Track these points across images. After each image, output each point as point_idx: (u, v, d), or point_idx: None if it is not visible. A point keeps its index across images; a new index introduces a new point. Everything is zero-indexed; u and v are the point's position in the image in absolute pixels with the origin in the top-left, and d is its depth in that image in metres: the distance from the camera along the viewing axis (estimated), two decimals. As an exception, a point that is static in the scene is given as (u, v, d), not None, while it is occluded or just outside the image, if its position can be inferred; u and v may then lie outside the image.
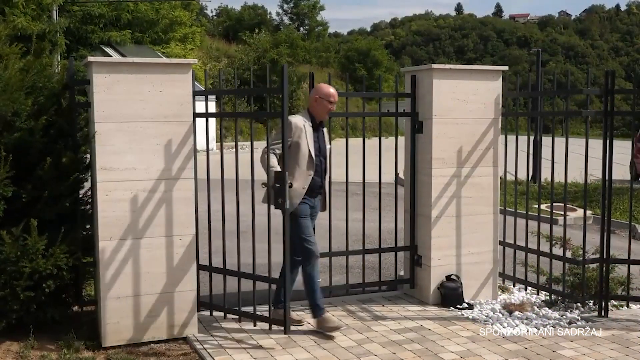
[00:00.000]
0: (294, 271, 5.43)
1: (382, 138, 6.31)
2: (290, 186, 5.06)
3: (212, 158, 5.64)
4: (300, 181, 5.23)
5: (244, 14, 60.71)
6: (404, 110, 6.36)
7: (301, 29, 60.92)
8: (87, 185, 5.29)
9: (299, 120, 5.27)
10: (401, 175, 6.47)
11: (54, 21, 24.36)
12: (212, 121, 5.62)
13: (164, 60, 5.73)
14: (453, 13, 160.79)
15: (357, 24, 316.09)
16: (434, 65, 6.03)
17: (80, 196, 5.30)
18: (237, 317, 5.55)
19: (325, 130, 5.55)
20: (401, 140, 6.47)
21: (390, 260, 6.57)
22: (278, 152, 5.18)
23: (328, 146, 5.54)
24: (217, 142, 27.08)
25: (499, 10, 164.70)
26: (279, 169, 5.07)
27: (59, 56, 22.72)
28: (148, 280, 5.00)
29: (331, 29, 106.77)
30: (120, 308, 4.93)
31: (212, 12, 76.54)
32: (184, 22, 33.43)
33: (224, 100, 32.12)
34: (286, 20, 63.49)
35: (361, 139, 6.14)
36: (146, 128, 4.94)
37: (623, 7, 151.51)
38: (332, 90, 5.39)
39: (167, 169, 5.01)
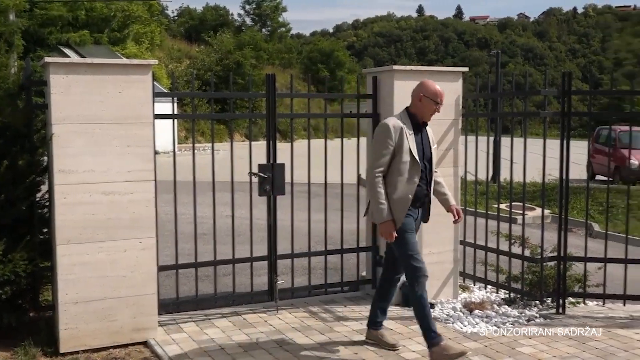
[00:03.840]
0: (390, 290, 5.10)
1: (344, 139, 6.33)
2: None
3: (169, 160, 5.61)
4: (404, 191, 4.64)
5: (206, 14, 60.28)
6: (365, 111, 6.38)
7: (263, 30, 60.70)
8: (45, 188, 5.19)
9: (395, 122, 4.68)
10: (363, 176, 6.48)
11: (10, 22, 23.87)
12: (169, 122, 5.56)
13: (124, 61, 5.66)
14: (414, 15, 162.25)
15: (319, 25, 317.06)
16: (395, 67, 6.06)
17: (38, 199, 5.20)
18: (198, 320, 5.53)
19: (429, 130, 4.93)
20: (363, 141, 6.49)
21: (353, 261, 6.59)
22: (384, 169, 4.64)
23: (434, 146, 4.92)
24: (179, 143, 26.85)
25: (459, 12, 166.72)
26: (385, 204, 4.60)
27: (15, 56, 22.28)
28: (108, 284, 4.92)
29: (293, 30, 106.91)
30: (79, 313, 4.85)
31: (173, 12, 75.73)
32: (139, 16, 33.00)
33: (184, 101, 31.95)
34: (248, 21, 63.19)
35: (323, 140, 6.16)
36: (105, 130, 4.87)
37: (580, 10, 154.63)
38: (439, 88, 4.80)
39: (127, 171, 4.95)
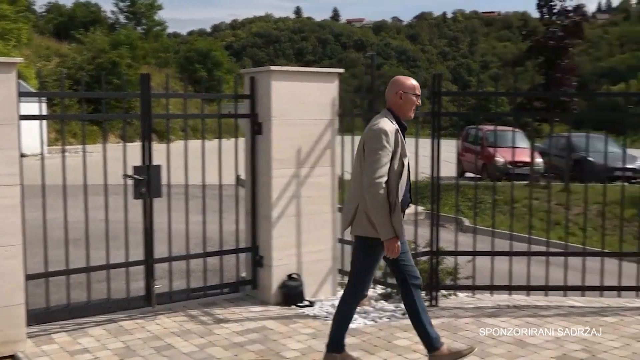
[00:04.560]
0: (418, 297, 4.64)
1: (223, 140, 6.28)
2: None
3: (38, 163, 5.35)
4: (400, 198, 4.28)
5: (76, 11, 57.86)
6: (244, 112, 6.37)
7: (138, 28, 59.01)
8: None
9: (390, 126, 4.29)
10: (242, 176, 6.47)
11: None
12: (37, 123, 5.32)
13: (-16, 58, 5.32)
14: (292, 16, 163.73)
15: (196, 24, 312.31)
16: (272, 67, 6.09)
17: None
18: (70, 329, 5.30)
19: None
20: (242, 141, 6.47)
21: (233, 262, 6.55)
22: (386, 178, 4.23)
23: None
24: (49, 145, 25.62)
25: (336, 14, 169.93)
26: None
27: None
28: (-31, 295, 4.62)
29: (170, 29, 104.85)
30: (-62, 328, 4.52)
31: (40, 8, 72.09)
32: (6, 15, 31.21)
33: (55, 101, 30.58)
34: (122, 19, 61.21)
35: (201, 141, 6.08)
36: (-36, 131, 4.57)
37: (450, 15, 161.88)
38: (414, 81, 4.53)
39: (-11, 175, 4.66)
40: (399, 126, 4.39)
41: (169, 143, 5.99)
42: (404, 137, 4.42)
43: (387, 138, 4.24)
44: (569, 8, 20.41)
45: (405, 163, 4.34)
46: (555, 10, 20.52)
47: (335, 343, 4.59)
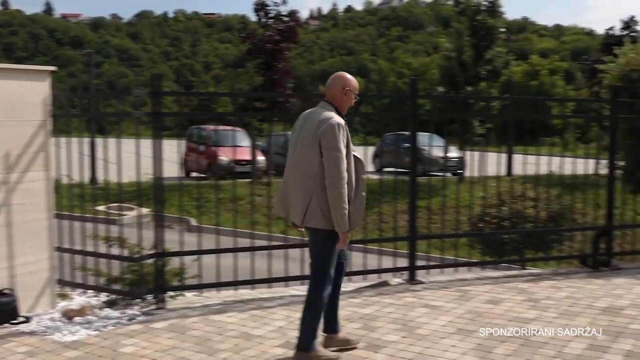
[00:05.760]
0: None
1: None
2: None
3: None
4: (362, 190, 4.50)
5: None
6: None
7: None
8: None
9: (342, 120, 4.43)
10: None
11: None
12: None
13: None
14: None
15: None
16: (-29, 63, 5.52)
17: None
18: None
19: None
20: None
21: None
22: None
23: None
24: None
25: (49, 8, 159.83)
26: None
27: None
28: None
29: None
30: None
31: None
32: None
33: None
34: None
35: None
36: None
37: (171, 14, 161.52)
38: (356, 81, 4.69)
39: None
40: None
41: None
42: None
43: (344, 131, 4.39)
44: (284, 13, 21.61)
45: (358, 156, 4.53)
46: (271, 15, 21.57)
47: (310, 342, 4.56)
